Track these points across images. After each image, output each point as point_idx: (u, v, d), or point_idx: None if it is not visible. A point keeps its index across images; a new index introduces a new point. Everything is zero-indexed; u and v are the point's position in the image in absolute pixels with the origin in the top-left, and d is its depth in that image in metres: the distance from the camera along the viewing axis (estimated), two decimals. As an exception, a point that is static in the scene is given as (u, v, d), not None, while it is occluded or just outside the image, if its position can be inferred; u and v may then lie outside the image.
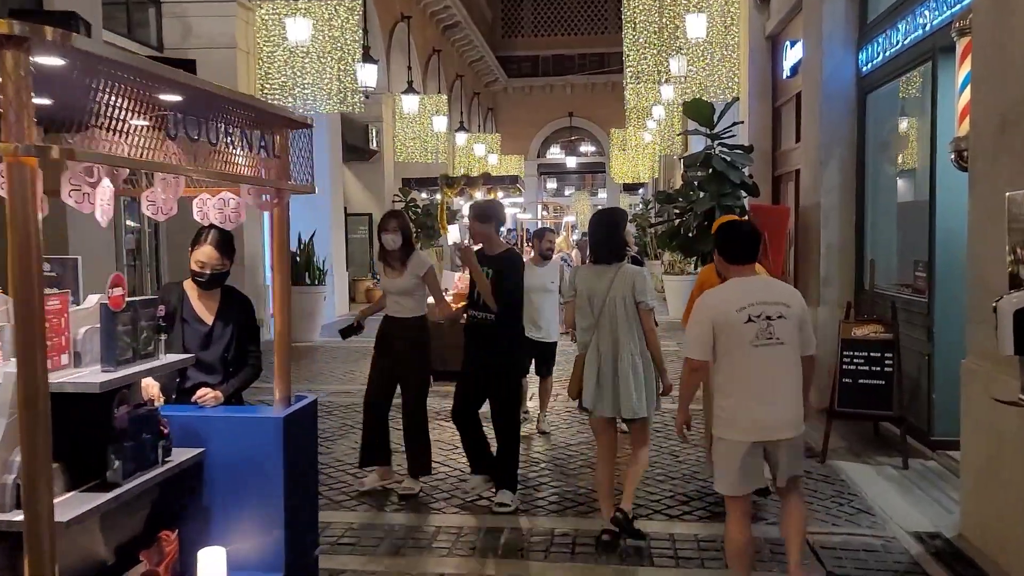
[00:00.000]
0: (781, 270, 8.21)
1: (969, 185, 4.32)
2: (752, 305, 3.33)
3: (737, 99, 8.72)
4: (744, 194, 7.36)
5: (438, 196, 9.74)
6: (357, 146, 17.94)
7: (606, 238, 4.30)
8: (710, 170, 7.14)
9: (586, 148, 36.68)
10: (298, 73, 11.87)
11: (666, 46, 11.44)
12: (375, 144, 18.93)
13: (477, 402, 5.11)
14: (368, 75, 15.12)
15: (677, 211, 7.70)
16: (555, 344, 6.79)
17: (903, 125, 7.09)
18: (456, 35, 26.10)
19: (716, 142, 7.35)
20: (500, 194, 10.52)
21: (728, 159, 7.24)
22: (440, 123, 21.01)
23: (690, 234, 7.19)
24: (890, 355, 5.85)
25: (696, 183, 7.39)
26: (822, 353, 7.02)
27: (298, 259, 12.16)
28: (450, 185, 9.33)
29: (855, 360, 5.94)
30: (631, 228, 5.43)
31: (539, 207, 28.74)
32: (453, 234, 9.73)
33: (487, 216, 5.02)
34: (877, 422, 6.29)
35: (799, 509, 3.59)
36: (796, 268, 8.68)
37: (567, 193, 39.69)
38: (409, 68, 18.85)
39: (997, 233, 3.68)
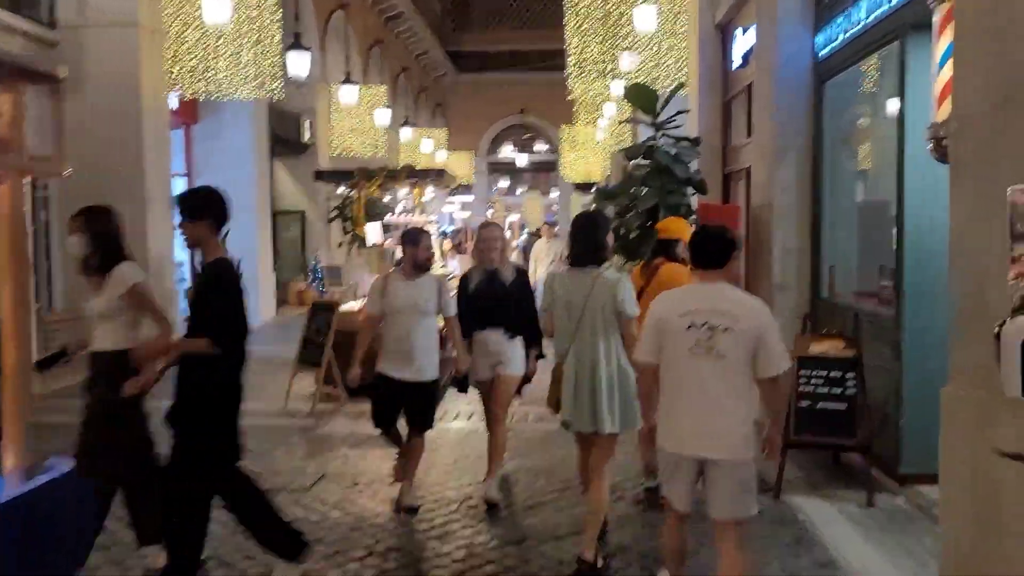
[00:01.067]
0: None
1: (951, 178, 3.56)
2: (696, 312, 3.16)
3: (683, 85, 7.97)
4: (691, 191, 6.59)
5: (352, 191, 8.80)
6: (288, 139, 16.88)
7: (585, 240, 4.05)
8: (653, 164, 6.34)
9: (540, 147, 35.94)
10: (211, 56, 10.82)
11: (610, 34, 10.68)
12: (309, 137, 17.89)
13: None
14: (299, 64, 14.12)
15: (618, 210, 6.91)
16: (434, 385, 4.93)
17: (866, 114, 6.37)
18: (400, 26, 25.09)
19: (660, 132, 6.57)
20: (429, 190, 9.65)
21: (673, 152, 6.47)
22: (383, 116, 20.06)
23: (631, 235, 6.39)
24: (852, 375, 5.12)
25: (639, 178, 6.59)
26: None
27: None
28: (369, 178, 8.40)
29: (813, 380, 5.20)
30: None
31: (486, 206, 27.84)
32: (373, 235, 8.80)
33: (195, 209, 3.65)
34: (838, 451, 5.55)
35: (735, 567, 3.20)
36: (748, 273, 7.96)
37: (518, 192, 38.93)
38: (347, 59, 17.84)
39: (993, 237, 2.93)
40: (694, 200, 7.02)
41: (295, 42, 13.80)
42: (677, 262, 5.38)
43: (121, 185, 10.81)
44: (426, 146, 25.10)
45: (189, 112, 13.84)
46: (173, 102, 12.78)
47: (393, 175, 8.63)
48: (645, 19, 9.12)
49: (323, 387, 7.96)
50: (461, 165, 29.90)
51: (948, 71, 3.84)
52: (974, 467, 3.30)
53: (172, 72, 10.85)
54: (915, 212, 4.87)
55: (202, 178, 14.25)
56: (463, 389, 5.30)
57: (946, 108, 3.85)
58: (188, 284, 11.33)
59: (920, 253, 4.86)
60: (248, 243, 13.92)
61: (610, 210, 6.24)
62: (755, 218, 7.45)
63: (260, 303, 13.88)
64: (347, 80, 16.89)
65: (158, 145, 11.08)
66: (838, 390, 5.12)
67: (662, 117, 6.58)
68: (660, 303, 3.34)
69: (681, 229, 5.19)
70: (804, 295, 6.64)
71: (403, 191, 8.64)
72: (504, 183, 40.57)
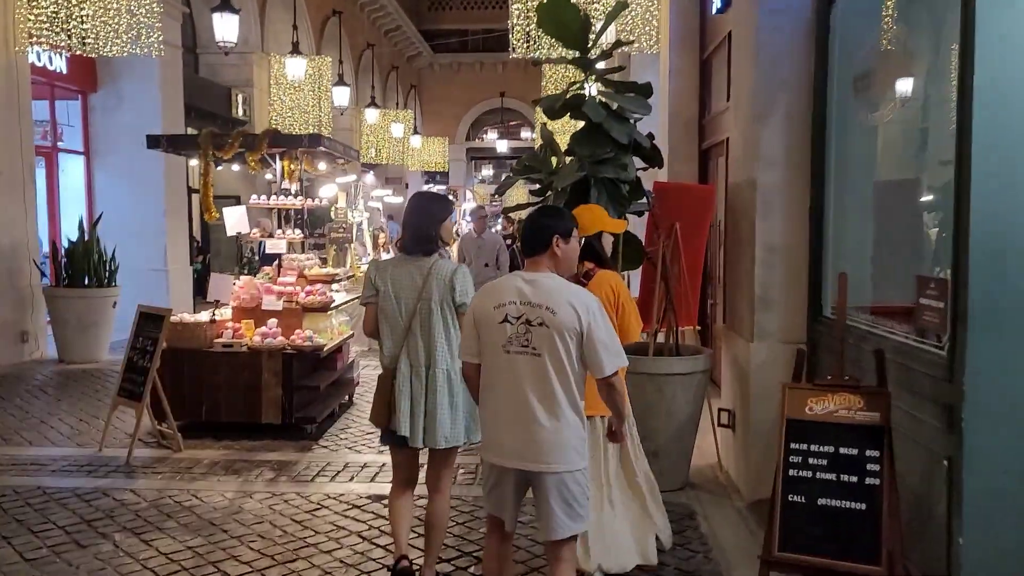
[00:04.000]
0: (698, 280, 5.51)
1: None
2: (512, 304, 2.86)
3: (626, 5, 5.91)
4: (637, 162, 4.60)
5: (194, 162, 6.75)
6: (216, 114, 14.87)
7: (418, 225, 3.62)
8: (581, 122, 4.34)
9: (527, 135, 33.98)
10: (73, 2, 8.78)
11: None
12: (242, 112, 15.88)
13: None
14: (225, 27, 12.13)
15: (538, 187, 4.91)
16: None
17: (900, 42, 4.31)
18: (364, -2, 23.06)
19: (591, 76, 4.56)
20: (322, 165, 7.61)
21: (611, 104, 4.47)
22: (340, 95, 18.07)
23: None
24: (876, 454, 3.15)
25: (562, 145, 4.58)
26: (755, 424, 4.67)
27: (71, 253, 9.04)
28: (219, 147, 6.38)
29: (811, 460, 3.23)
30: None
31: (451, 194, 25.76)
32: (231, 221, 6.81)
33: None
34: None
35: None
36: (725, 282, 6.00)
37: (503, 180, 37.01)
38: (295, 27, 15.77)
39: None
40: (648, 179, 5.03)
41: (223, 2, 11.81)
42: (606, 266, 3.99)
43: (-40, 159, 8.85)
44: (396, 130, 23.08)
45: (85, 78, 11.76)
46: (57, 61, 10.81)
47: (250, 142, 6.58)
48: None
49: (155, 424, 5.98)
50: (435, 153, 27.96)
51: None
52: None
53: (30, 20, 8.81)
54: (988, 186, 2.88)
55: (101, 157, 12.21)
56: None
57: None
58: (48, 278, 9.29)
59: (994, 252, 2.89)
60: (155, 232, 12.00)
61: (519, 195, 4.22)
62: (732, 205, 5.47)
63: (170, 300, 11.85)
64: (294, 51, 14.89)
65: (9, 112, 9.03)
66: (853, 478, 3.16)
67: (595, 51, 4.55)
68: (478, 296, 3.05)
69: (596, 219, 3.90)
70: (796, 315, 4.67)
71: (276, 167, 6.59)
72: (487, 171, 38.83)
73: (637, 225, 5.66)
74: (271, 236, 6.59)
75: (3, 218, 8.85)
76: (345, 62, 21.18)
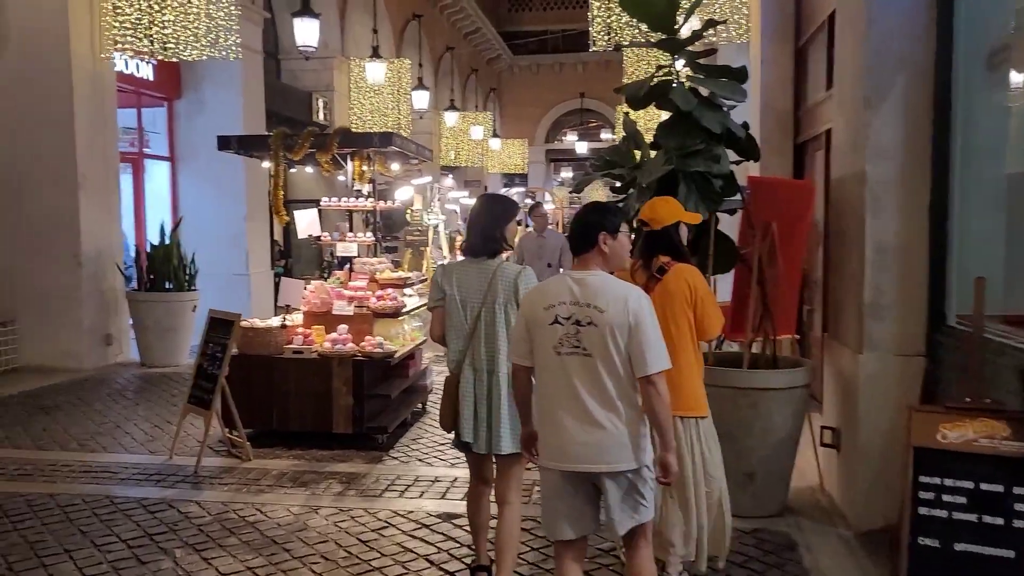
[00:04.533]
0: (797, 285, 5.03)
1: None
2: (562, 305, 2.82)
3: None
4: (729, 155, 4.17)
5: (266, 163, 6.58)
6: (296, 119, 14.95)
7: (483, 227, 3.54)
8: (666, 113, 3.94)
9: (606, 135, 33.44)
10: (155, 8, 8.85)
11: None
12: (323, 117, 15.95)
13: None
14: (306, 32, 12.20)
15: (619, 185, 4.51)
16: None
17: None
18: (444, 0, 23.01)
19: (680, 59, 4.15)
20: (395, 166, 7.38)
21: (702, 90, 4.05)
22: (420, 98, 18.08)
23: (635, 223, 4.04)
24: (1027, 492, 2.65)
25: (650, 138, 4.18)
26: (864, 444, 4.28)
27: (152, 257, 9.12)
28: (289, 148, 6.21)
29: (946, 497, 2.76)
30: None
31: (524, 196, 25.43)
32: (303, 223, 6.63)
33: None
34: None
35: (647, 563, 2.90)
36: (825, 283, 5.48)
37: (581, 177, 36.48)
38: (375, 31, 15.80)
39: None
40: (740, 174, 4.57)
41: (303, 7, 11.86)
42: (683, 259, 3.70)
43: (48, 167, 9.02)
44: (476, 133, 22.99)
45: (170, 85, 11.96)
46: (144, 68, 11.00)
47: (321, 141, 6.39)
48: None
49: (225, 432, 5.85)
50: (515, 155, 27.74)
51: None
52: None
53: (112, 27, 8.93)
54: None
55: (185, 163, 12.41)
56: None
57: None
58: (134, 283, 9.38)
59: None
60: (237, 236, 12.10)
61: (600, 194, 3.88)
62: (836, 201, 4.96)
63: (251, 305, 11.93)
64: (374, 55, 14.90)
65: (95, 119, 9.18)
66: (998, 520, 2.67)
67: (685, 32, 4.13)
68: (528, 297, 3.00)
69: (673, 210, 3.67)
70: (912, 324, 4.14)
71: (351, 168, 6.37)
72: (567, 173, 38.49)
73: (728, 225, 5.20)
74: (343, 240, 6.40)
75: (88, 224, 8.98)
76: (425, 65, 21.16)
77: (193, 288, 9.36)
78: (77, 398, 7.52)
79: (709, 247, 4.53)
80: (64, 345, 8.88)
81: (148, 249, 9.36)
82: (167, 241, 9.26)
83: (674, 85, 4.12)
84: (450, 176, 23.90)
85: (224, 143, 6.68)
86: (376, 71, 15.04)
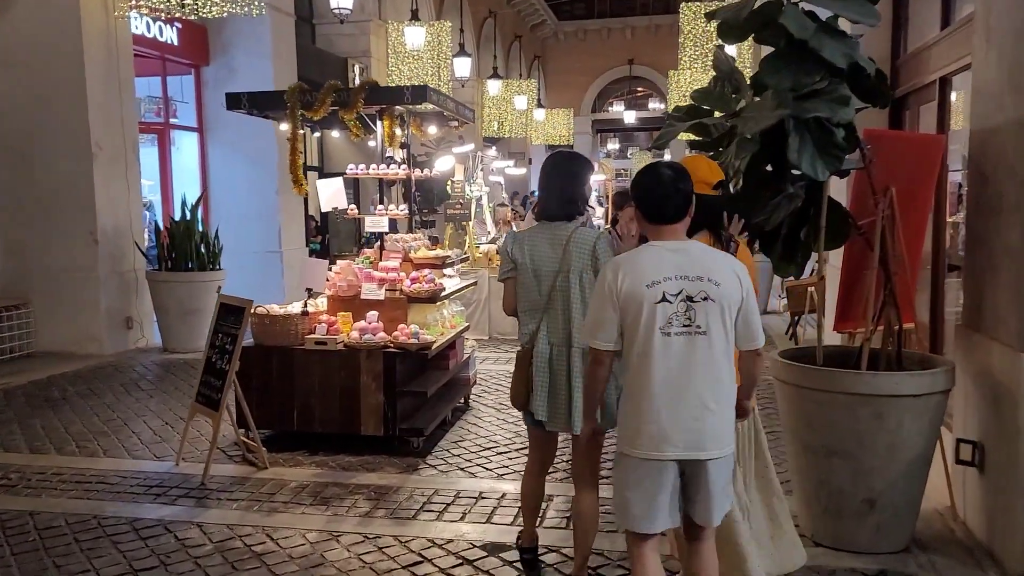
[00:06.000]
0: (918, 263, 4.10)
1: None
2: (668, 280, 2.58)
3: None
4: (853, 99, 3.21)
5: (284, 126, 5.74)
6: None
7: (560, 188, 3.30)
8: (780, 40, 3.00)
9: (655, 105, 32.11)
10: (171, -39, 8.08)
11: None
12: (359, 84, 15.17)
13: None
14: (341, -7, 11.40)
15: (710, 139, 3.58)
16: None
17: None
18: (487, -38, 22.03)
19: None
20: (432, 129, 6.51)
21: (821, 14, 3.10)
22: (462, 65, 17.24)
23: (732, 185, 3.12)
24: None
25: (749, 77, 3.24)
26: None
27: (172, 234, 8.42)
28: (308, 105, 5.39)
29: None
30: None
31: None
32: (326, 195, 5.81)
33: None
34: None
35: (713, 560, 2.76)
36: (965, 261, 4.48)
37: (630, 154, 35.25)
38: (414, -5, 14.90)
39: None
40: (856, 120, 3.60)
41: (337, -33, 11.06)
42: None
43: (59, 135, 8.36)
44: (519, 103, 22.01)
45: (197, 51, 11.23)
46: (168, 32, 10.28)
47: (345, 99, 5.54)
48: None
49: (239, 435, 5.12)
50: (559, 125, 26.68)
51: None
52: None
53: (129, -13, 8.20)
54: None
55: (214, 133, 11.69)
56: None
57: None
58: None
59: None
60: (270, 211, 11.38)
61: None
62: (980, 159, 3.95)
63: (284, 284, 11.25)
64: (413, 18, 14.02)
65: (109, 83, 8.47)
66: None
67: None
68: (617, 272, 2.62)
69: (714, 168, 3.08)
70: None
71: (387, 131, 5.51)
72: (613, 145, 37.24)
73: (838, 189, 4.24)
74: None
75: (104, 199, 8.32)
76: (466, 32, 20.19)
77: (217, 267, 8.66)
78: (88, 389, 6.88)
79: (820, 218, 3.60)
80: (82, 329, 8.28)
81: (168, 225, 8.68)
82: (188, 216, 8.56)
83: (784, 5, 3.16)
84: (493, 148, 23.00)
85: (234, 101, 5.87)
86: (415, 35, 14.16)
